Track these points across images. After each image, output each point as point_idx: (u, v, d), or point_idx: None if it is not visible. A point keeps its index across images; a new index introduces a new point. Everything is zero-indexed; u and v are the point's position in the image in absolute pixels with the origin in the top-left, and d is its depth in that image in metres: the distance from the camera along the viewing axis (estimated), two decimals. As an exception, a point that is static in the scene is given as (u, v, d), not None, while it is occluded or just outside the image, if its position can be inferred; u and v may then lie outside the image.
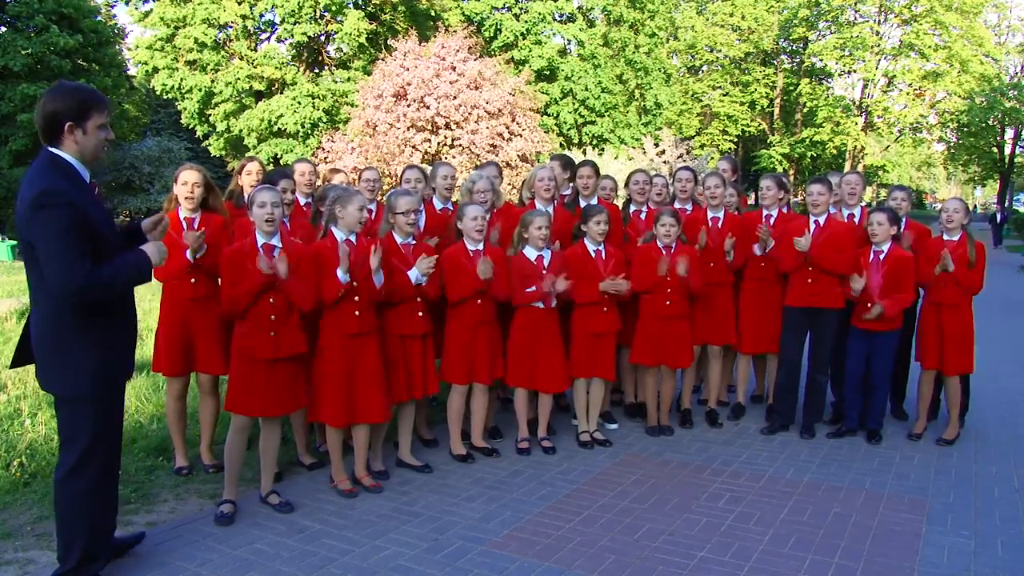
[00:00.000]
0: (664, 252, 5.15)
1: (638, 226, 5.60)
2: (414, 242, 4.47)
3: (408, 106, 20.59)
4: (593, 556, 3.56)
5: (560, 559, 3.52)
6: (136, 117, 33.04)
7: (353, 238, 4.11)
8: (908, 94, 38.08)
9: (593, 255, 4.99)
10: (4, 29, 23.36)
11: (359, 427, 4.25)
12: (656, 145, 24.53)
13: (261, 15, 27.88)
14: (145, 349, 6.04)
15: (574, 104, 30.45)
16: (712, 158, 27.37)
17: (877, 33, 37.74)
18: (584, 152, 25.28)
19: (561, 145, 28.47)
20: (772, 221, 5.51)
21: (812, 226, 5.21)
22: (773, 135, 41.54)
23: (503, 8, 30.24)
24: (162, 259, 3.13)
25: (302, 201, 4.96)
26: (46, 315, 2.96)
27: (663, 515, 4.03)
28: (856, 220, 5.44)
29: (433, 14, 29.90)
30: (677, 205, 5.76)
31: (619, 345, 5.31)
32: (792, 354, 5.37)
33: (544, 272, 4.77)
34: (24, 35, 22.99)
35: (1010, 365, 7.85)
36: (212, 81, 27.29)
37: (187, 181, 4.29)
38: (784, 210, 5.71)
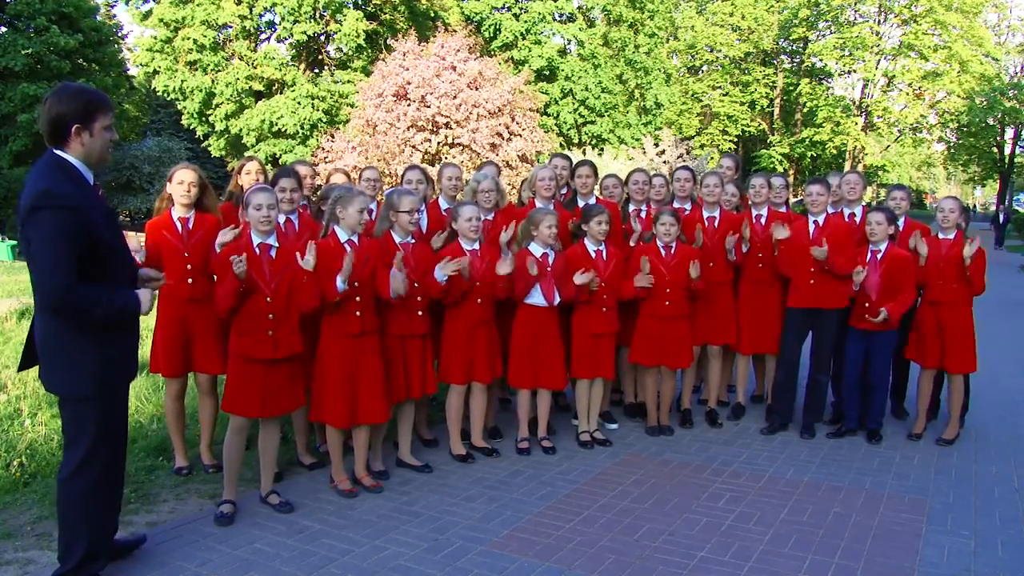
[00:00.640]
0: (663, 251, 5.15)
1: (638, 225, 5.60)
2: (413, 241, 4.47)
3: (408, 105, 20.58)
4: (593, 556, 3.56)
5: (560, 559, 3.52)
6: (136, 117, 33.04)
7: (356, 239, 4.11)
8: (908, 94, 38.07)
9: (593, 255, 4.99)
10: (4, 29, 23.34)
11: (359, 427, 4.25)
12: (656, 145, 24.51)
13: (260, 15, 27.87)
14: (144, 349, 6.04)
15: (574, 104, 30.43)
16: (712, 158, 27.34)
17: (877, 33, 37.74)
18: (584, 152, 25.26)
19: (561, 145, 28.45)
20: (763, 221, 5.52)
21: (812, 226, 5.22)
22: (773, 135, 41.53)
23: (503, 8, 30.22)
24: (150, 309, 3.09)
25: (301, 202, 4.96)
26: (49, 316, 2.96)
27: (663, 515, 4.03)
28: (857, 220, 5.44)
29: (433, 14, 29.89)
30: (676, 204, 5.76)
31: (619, 345, 5.31)
32: (791, 354, 5.37)
33: (548, 269, 4.78)
34: (24, 35, 22.98)
35: (1010, 365, 7.86)
36: (212, 82, 27.28)
37: (183, 180, 4.28)
38: (783, 209, 5.71)
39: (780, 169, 37.92)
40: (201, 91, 27.31)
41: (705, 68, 43.41)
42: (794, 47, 41.50)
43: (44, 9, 23.05)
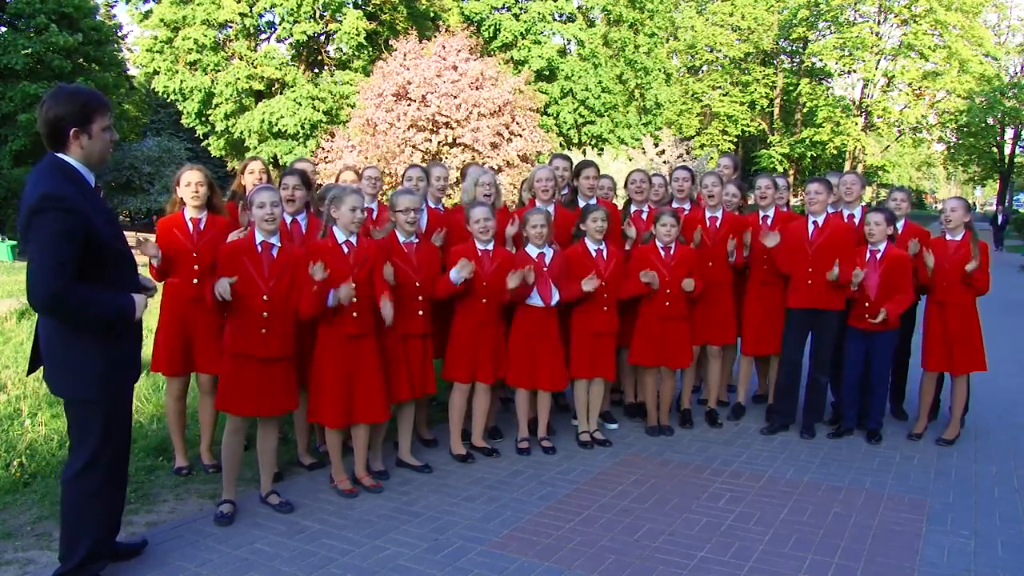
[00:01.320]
0: (663, 252, 5.15)
1: (637, 226, 5.60)
2: (416, 241, 4.47)
3: (409, 105, 20.57)
4: (593, 556, 3.56)
5: (560, 559, 3.52)
6: (136, 117, 33.05)
7: (354, 239, 4.11)
8: (908, 94, 38.08)
9: (594, 254, 4.99)
10: (4, 29, 23.34)
11: (358, 427, 4.25)
12: (656, 145, 24.51)
13: (260, 15, 27.87)
14: (145, 349, 6.03)
15: (574, 104, 30.43)
16: (711, 158, 27.34)
17: (877, 33, 37.75)
18: (584, 152, 25.28)
19: (561, 145, 28.45)
20: (770, 221, 5.51)
21: (811, 226, 5.22)
22: (773, 135, 41.55)
23: (502, 8, 30.22)
24: (142, 314, 3.08)
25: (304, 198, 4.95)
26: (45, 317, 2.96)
27: (663, 515, 4.03)
28: (856, 221, 5.44)
29: (432, 14, 29.88)
30: (675, 205, 5.76)
31: (619, 345, 5.31)
32: (793, 354, 5.37)
33: (545, 269, 4.78)
34: (24, 35, 22.98)
35: (1010, 365, 7.86)
36: (212, 82, 27.28)
37: (191, 182, 4.28)
38: (784, 209, 5.72)
39: (780, 169, 37.93)
40: (201, 91, 27.31)
41: (705, 68, 43.43)
42: (794, 47, 41.53)
43: (44, 8, 23.05)
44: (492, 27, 29.28)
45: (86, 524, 3.07)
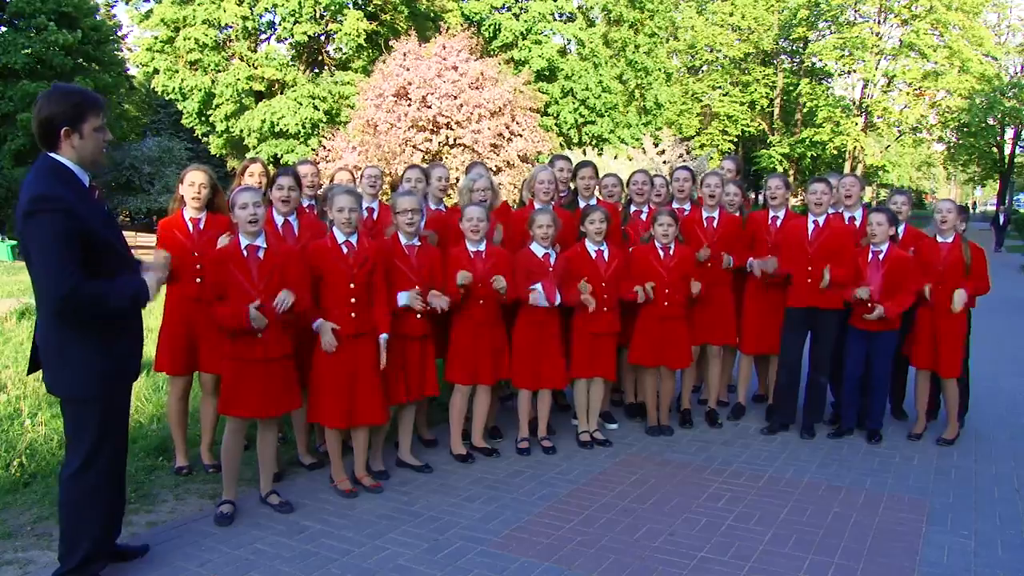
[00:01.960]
0: (662, 253, 5.15)
1: (638, 226, 5.60)
2: (418, 243, 4.47)
3: (410, 105, 20.58)
4: (593, 556, 3.56)
5: (560, 559, 3.52)
6: (136, 117, 33.09)
7: (354, 240, 4.10)
8: (908, 94, 38.07)
9: (594, 255, 4.99)
10: (4, 29, 23.35)
11: (358, 428, 4.25)
12: (656, 145, 24.51)
13: (261, 15, 27.88)
14: (147, 348, 6.03)
15: (574, 104, 30.44)
16: (712, 158, 27.34)
17: (877, 34, 37.74)
18: (584, 152, 25.27)
19: (561, 145, 28.45)
20: (779, 223, 5.49)
21: (811, 226, 5.22)
22: (773, 135, 41.55)
23: (503, 8, 30.22)
24: (157, 292, 3.10)
25: (304, 203, 4.95)
26: (50, 318, 2.96)
27: (663, 515, 4.03)
28: (857, 222, 5.43)
29: (433, 15, 29.88)
30: (675, 205, 5.76)
31: (619, 345, 5.31)
32: (792, 354, 5.37)
33: (549, 269, 4.79)
34: (25, 34, 22.99)
35: (1010, 365, 7.86)
36: (212, 82, 27.29)
37: (194, 182, 4.29)
38: (783, 211, 5.71)
39: (780, 169, 37.92)
40: (201, 91, 27.32)
41: (705, 68, 43.43)
42: (794, 47, 41.54)
43: (44, 8, 23.06)
44: (492, 27, 29.28)
45: (85, 523, 3.07)
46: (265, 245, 3.81)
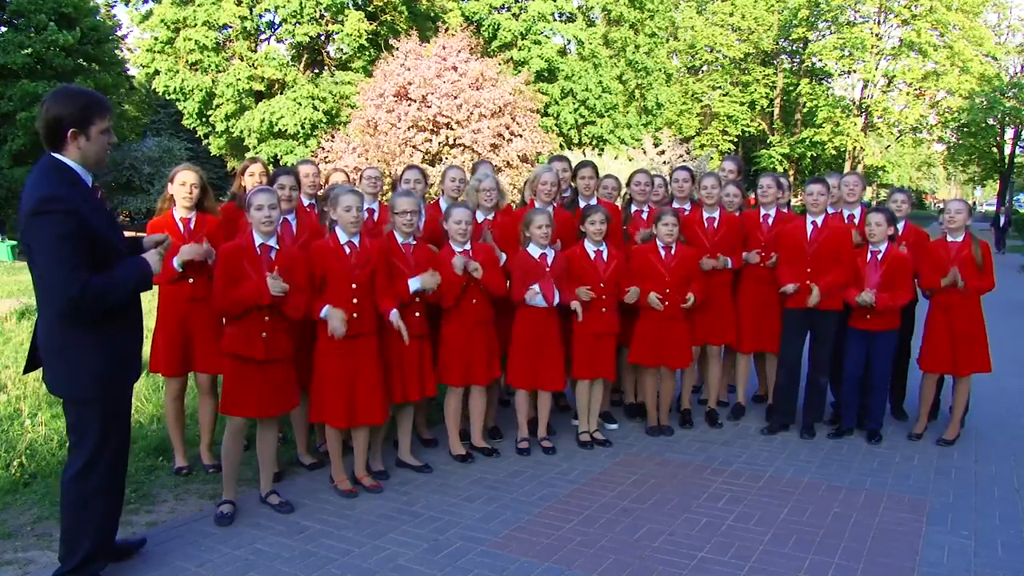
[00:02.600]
0: (663, 253, 5.15)
1: (639, 226, 5.60)
2: (414, 242, 4.47)
3: (409, 105, 20.57)
4: (593, 556, 3.56)
5: (560, 559, 3.52)
6: (136, 117, 33.06)
7: (356, 240, 4.11)
8: (908, 94, 38.07)
9: (593, 256, 4.99)
10: (4, 29, 23.35)
11: (358, 428, 4.25)
12: (656, 145, 24.50)
13: (260, 15, 27.87)
14: (144, 349, 6.03)
15: (574, 104, 30.43)
16: (712, 158, 27.32)
17: (877, 34, 37.74)
18: (584, 152, 25.26)
19: (561, 146, 28.43)
20: (771, 221, 5.51)
21: (810, 226, 5.22)
22: (773, 135, 41.54)
23: (502, 8, 30.21)
24: (160, 269, 3.13)
25: (305, 202, 4.96)
26: (51, 318, 2.96)
27: (663, 515, 4.03)
28: (856, 221, 5.44)
29: (433, 15, 29.88)
30: (675, 205, 5.76)
31: (619, 345, 5.31)
32: (792, 355, 5.37)
33: (547, 270, 4.78)
34: (24, 34, 22.98)
35: (1010, 365, 7.85)
36: (212, 82, 27.28)
37: (185, 182, 4.28)
38: (784, 210, 5.71)
39: (780, 169, 37.92)
40: (201, 91, 27.31)
41: (705, 68, 43.42)
42: (794, 47, 41.52)
43: (44, 7, 23.04)
44: (491, 27, 29.27)
45: (86, 524, 3.07)
46: (277, 246, 3.84)
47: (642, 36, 32.93)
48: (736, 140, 42.11)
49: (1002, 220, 28.48)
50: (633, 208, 5.74)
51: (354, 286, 4.05)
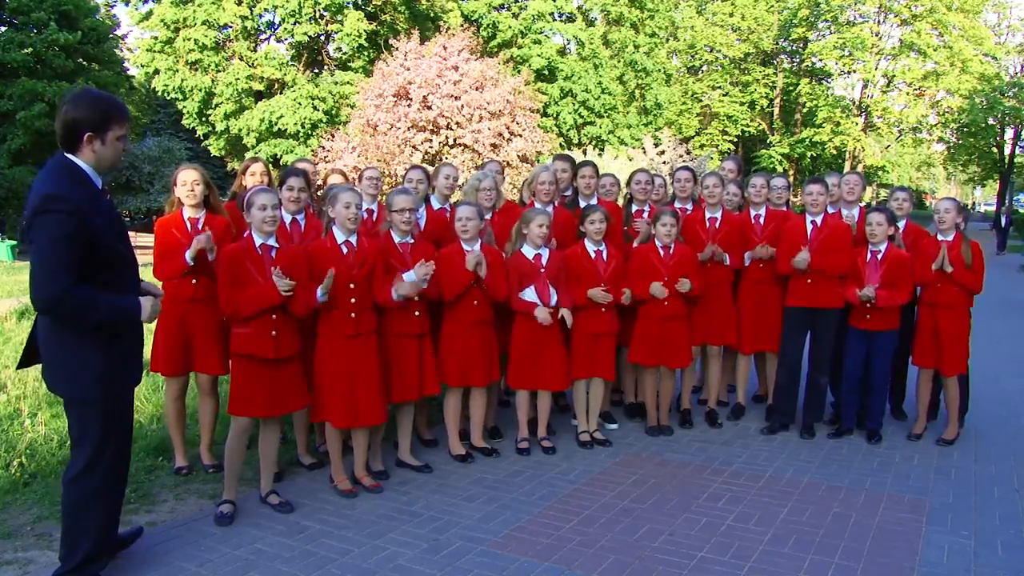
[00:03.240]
0: (662, 252, 5.15)
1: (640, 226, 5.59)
2: (412, 241, 4.46)
3: (409, 106, 20.57)
4: (593, 556, 3.56)
5: (560, 559, 3.52)
6: (136, 117, 33.05)
7: (354, 239, 4.11)
8: (908, 94, 38.07)
9: (593, 255, 4.99)
10: (3, 28, 23.35)
11: (358, 428, 4.25)
12: (656, 145, 24.50)
13: (260, 15, 27.88)
14: (145, 349, 6.05)
15: (574, 104, 30.43)
16: (712, 158, 27.33)
17: (876, 34, 37.74)
18: (584, 152, 25.28)
19: (561, 146, 28.44)
20: (762, 220, 5.52)
21: (810, 226, 5.22)
22: (773, 135, 41.54)
23: (501, 7, 30.20)
24: (154, 317, 3.10)
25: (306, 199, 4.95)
26: (47, 318, 2.96)
27: (663, 515, 4.03)
28: (855, 220, 5.44)
29: (433, 15, 29.88)
30: (677, 205, 5.76)
31: (619, 345, 5.31)
32: (792, 354, 5.37)
33: (541, 271, 4.78)
34: (25, 32, 22.98)
35: (1010, 365, 7.86)
36: (212, 82, 27.29)
37: (186, 180, 4.28)
38: (784, 208, 5.71)
39: (780, 169, 37.93)
40: (201, 91, 27.32)
41: (705, 68, 43.41)
42: (794, 47, 41.51)
43: (43, 6, 23.05)
44: (490, 25, 29.26)
45: (87, 524, 3.08)
46: (277, 245, 3.84)
47: (642, 36, 32.93)
48: (736, 140, 42.11)
49: (1004, 221, 28.19)
50: (634, 208, 5.74)
51: (352, 286, 4.05)
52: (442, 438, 5.08)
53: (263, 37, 29.55)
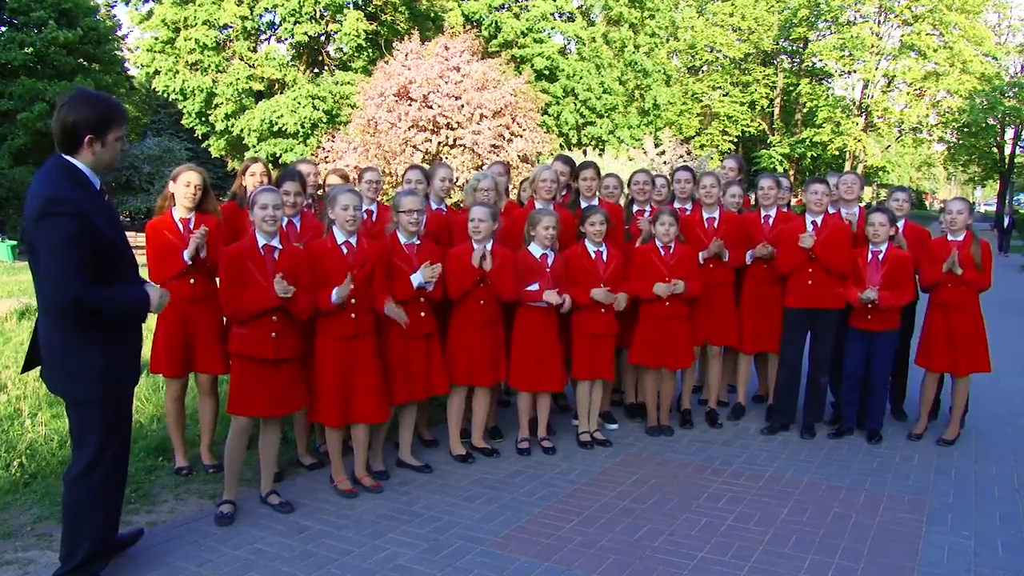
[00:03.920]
0: (663, 251, 5.15)
1: (640, 225, 5.59)
2: (418, 242, 4.46)
3: (410, 105, 20.57)
4: (593, 556, 3.56)
5: (560, 559, 3.52)
6: (136, 117, 33.06)
7: (354, 240, 4.11)
8: (908, 94, 38.06)
9: (593, 256, 4.99)
10: (3, 28, 23.34)
11: (358, 427, 4.25)
12: (656, 146, 24.50)
13: (260, 15, 27.88)
14: (144, 350, 6.05)
15: (575, 104, 30.43)
16: (712, 158, 27.32)
17: (877, 34, 37.74)
18: (584, 152, 25.28)
19: (561, 146, 28.44)
20: (771, 221, 5.51)
21: (810, 226, 5.22)
22: (773, 135, 41.54)
23: (502, 7, 30.20)
24: (162, 307, 3.15)
25: (303, 202, 4.95)
26: (53, 320, 2.96)
27: (663, 515, 4.03)
28: (855, 220, 5.43)
29: (433, 15, 29.88)
30: (677, 205, 5.76)
31: (619, 346, 5.31)
32: (792, 355, 5.37)
33: (547, 270, 4.78)
34: (25, 31, 22.97)
35: (1010, 365, 7.85)
36: (213, 82, 27.29)
37: (189, 182, 4.27)
38: (784, 210, 5.71)
39: (780, 169, 37.92)
40: (202, 91, 27.32)
41: (705, 68, 43.41)
42: (794, 47, 41.52)
43: (44, 4, 23.04)
44: (492, 25, 29.25)
45: (88, 524, 3.08)
46: (280, 246, 3.84)
47: (642, 36, 32.93)
48: (736, 140, 42.10)
49: (1006, 222, 28.02)
50: (635, 208, 5.74)
51: (352, 287, 4.05)
52: (442, 438, 5.08)
53: (263, 37, 29.55)
